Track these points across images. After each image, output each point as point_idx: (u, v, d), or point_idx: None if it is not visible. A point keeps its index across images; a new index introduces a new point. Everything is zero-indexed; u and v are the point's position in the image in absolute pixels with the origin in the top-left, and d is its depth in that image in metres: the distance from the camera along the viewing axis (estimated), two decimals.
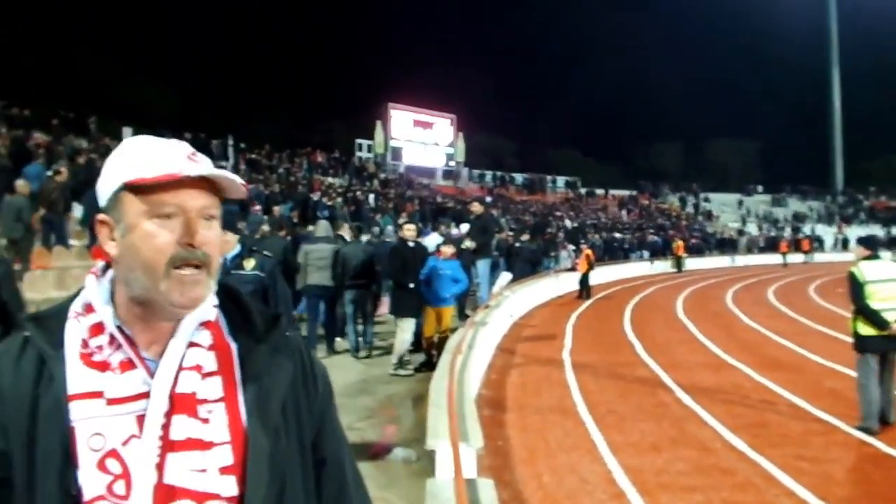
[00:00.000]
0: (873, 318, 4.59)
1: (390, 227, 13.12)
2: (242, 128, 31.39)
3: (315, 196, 17.16)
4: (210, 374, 0.77)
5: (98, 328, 0.76)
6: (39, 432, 0.72)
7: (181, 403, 0.74)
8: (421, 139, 35.14)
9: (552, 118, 56.79)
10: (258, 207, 12.07)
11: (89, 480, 0.70)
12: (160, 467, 0.71)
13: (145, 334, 0.77)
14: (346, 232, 8.26)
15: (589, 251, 15.32)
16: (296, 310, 7.93)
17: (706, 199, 40.55)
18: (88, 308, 0.78)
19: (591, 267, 14.85)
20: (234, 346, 0.80)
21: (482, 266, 9.08)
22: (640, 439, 4.67)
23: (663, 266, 24.25)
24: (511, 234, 16.44)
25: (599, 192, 39.46)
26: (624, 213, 35.04)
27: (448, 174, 35.73)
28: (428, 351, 6.75)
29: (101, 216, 0.79)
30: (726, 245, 30.98)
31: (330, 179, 25.08)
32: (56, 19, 37.77)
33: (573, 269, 16.45)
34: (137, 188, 0.74)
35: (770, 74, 57.42)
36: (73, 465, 0.71)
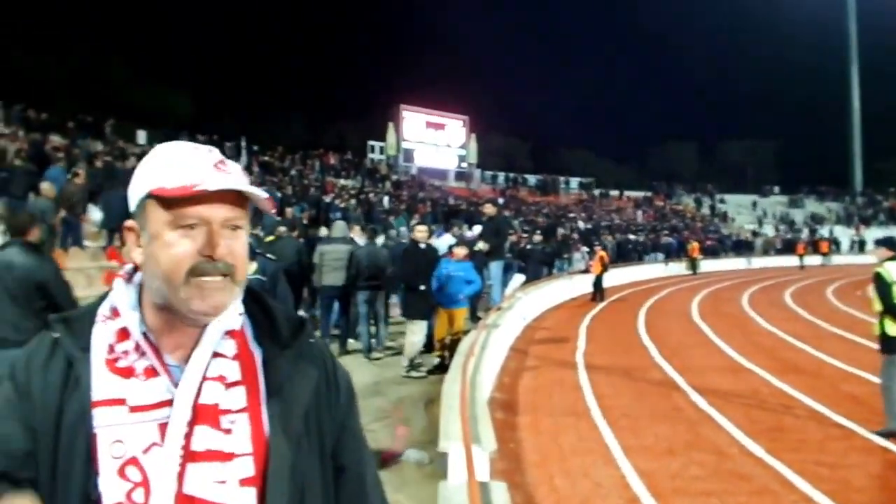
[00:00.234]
0: None
1: (403, 229, 13.17)
2: (255, 130, 31.76)
3: (327, 198, 17.29)
4: (234, 384, 0.76)
5: (124, 333, 0.76)
6: (63, 437, 0.73)
7: (204, 414, 0.73)
8: (433, 140, 35.20)
9: (566, 119, 56.52)
10: (273, 210, 12.18)
11: (109, 487, 0.70)
12: (180, 477, 0.71)
13: (170, 340, 0.77)
14: (356, 233, 8.30)
15: (603, 253, 15.20)
16: (312, 309, 8.01)
17: (721, 201, 40.03)
18: (115, 312, 0.78)
19: (604, 269, 14.74)
20: (258, 354, 0.80)
21: (495, 268, 9.06)
22: (655, 443, 4.63)
23: (678, 268, 23.97)
24: (525, 235, 16.39)
25: (614, 193, 39.17)
26: (639, 214, 34.72)
27: (460, 175, 35.73)
28: (440, 353, 6.75)
29: (128, 222, 0.79)
30: (742, 247, 30.53)
31: (342, 181, 25.24)
32: (71, 23, 38.56)
33: (586, 271, 16.34)
34: (161, 198, 0.74)
35: (787, 73, 56.61)
36: (94, 471, 0.71)
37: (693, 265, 23.85)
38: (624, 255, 22.81)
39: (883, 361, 4.69)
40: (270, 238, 7.70)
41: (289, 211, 12.64)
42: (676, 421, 5.18)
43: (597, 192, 38.88)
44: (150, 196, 0.75)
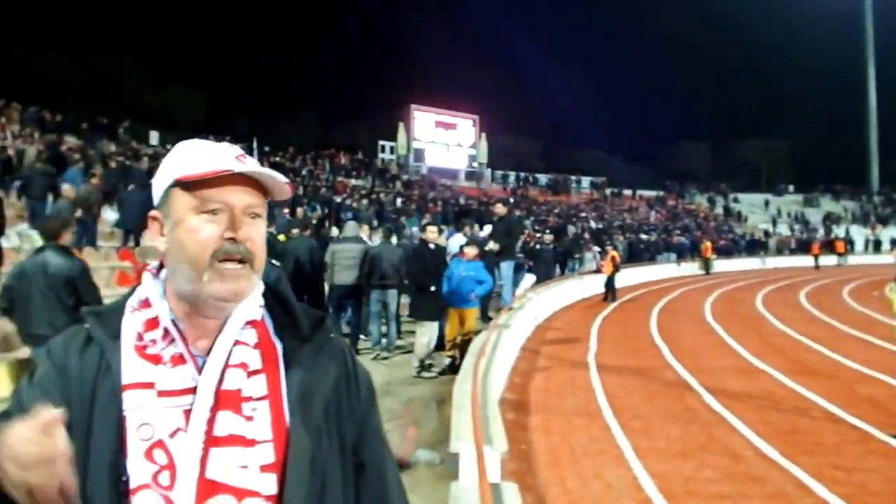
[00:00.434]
0: None
1: (415, 229, 13.20)
2: (267, 131, 32.02)
3: (338, 198, 17.39)
4: (255, 372, 0.78)
5: (153, 323, 0.79)
6: (96, 418, 0.75)
7: (226, 400, 0.75)
8: (444, 140, 35.24)
9: (577, 119, 56.25)
10: (286, 210, 12.30)
11: (137, 468, 0.72)
12: (203, 461, 0.73)
13: (193, 330, 0.79)
14: (365, 232, 8.35)
15: (615, 253, 15.10)
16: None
17: (735, 200, 39.55)
18: (144, 303, 0.81)
19: (616, 269, 14.65)
20: (279, 346, 0.81)
21: (506, 268, 9.05)
22: (668, 445, 4.59)
23: (691, 268, 23.74)
24: (538, 234, 16.35)
25: (627, 192, 38.89)
26: (651, 214, 34.44)
27: (471, 175, 35.72)
28: (451, 353, 6.76)
29: (153, 212, 0.82)
30: (756, 246, 30.14)
31: (353, 181, 25.36)
32: (83, 25, 39.16)
33: (598, 271, 16.25)
34: (187, 185, 0.78)
35: (803, 71, 55.74)
36: (123, 452, 0.73)
37: (706, 265, 23.60)
38: (636, 255, 22.63)
39: None
40: (282, 237, 7.77)
41: (299, 211, 12.74)
42: (689, 422, 5.14)
43: (608, 191, 38.62)
44: (175, 184, 0.79)
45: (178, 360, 0.77)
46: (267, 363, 0.79)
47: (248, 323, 0.80)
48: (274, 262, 3.49)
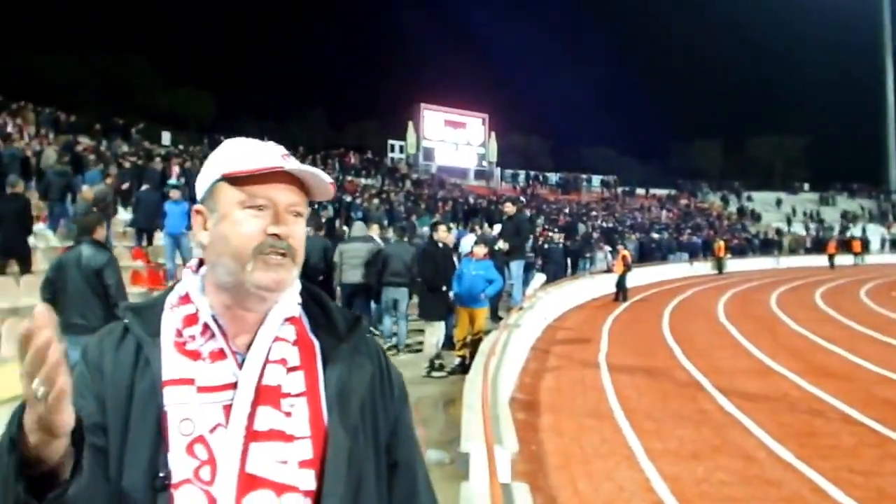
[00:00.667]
0: None
1: (426, 228, 13.18)
2: (276, 130, 32.25)
3: (348, 198, 17.44)
4: (294, 368, 0.79)
5: (192, 318, 0.79)
6: (134, 414, 0.76)
7: (266, 395, 0.76)
8: (453, 139, 35.22)
9: (587, 117, 55.90)
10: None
11: (178, 464, 0.73)
12: (243, 456, 0.73)
13: (233, 326, 0.80)
14: (375, 232, 8.36)
15: (626, 252, 14.98)
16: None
17: (749, 198, 39.03)
18: (183, 299, 0.81)
19: (627, 268, 14.53)
20: (316, 344, 0.83)
21: (515, 267, 9.01)
22: (680, 446, 4.54)
23: (703, 268, 23.48)
24: (550, 233, 16.28)
25: (640, 191, 38.56)
26: (663, 212, 34.13)
27: (480, 174, 35.67)
28: (461, 353, 6.75)
29: (197, 206, 0.84)
30: (770, 246, 29.72)
31: (363, 181, 25.44)
32: (93, 26, 39.70)
33: (609, 270, 16.13)
34: (233, 180, 0.79)
35: (818, 66, 54.75)
36: (163, 447, 0.74)
37: (719, 265, 23.33)
38: (647, 254, 22.44)
39: None
40: None
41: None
42: (702, 424, 5.08)
43: (619, 190, 38.34)
44: (221, 179, 0.80)
45: (218, 355, 0.77)
46: (305, 360, 0.80)
47: (287, 319, 0.81)
48: None
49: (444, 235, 7.10)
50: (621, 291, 14.32)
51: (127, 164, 13.65)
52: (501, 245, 8.54)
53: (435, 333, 6.61)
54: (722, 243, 24.24)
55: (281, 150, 0.83)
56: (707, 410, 5.48)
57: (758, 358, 7.83)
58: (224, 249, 0.79)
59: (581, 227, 21.86)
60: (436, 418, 5.15)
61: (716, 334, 9.81)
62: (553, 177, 38.06)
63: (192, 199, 11.99)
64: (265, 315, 0.80)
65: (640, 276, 17.62)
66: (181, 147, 22.90)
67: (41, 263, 7.67)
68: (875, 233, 33.05)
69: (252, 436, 0.74)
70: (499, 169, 36.80)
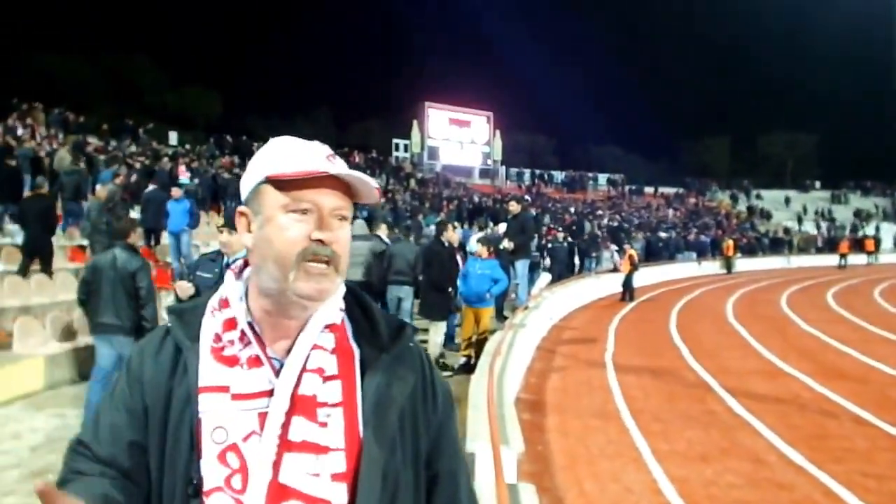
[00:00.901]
0: None
1: (432, 228, 13.16)
2: (282, 129, 32.25)
3: None
4: (331, 377, 0.77)
5: (231, 323, 0.79)
6: (172, 420, 0.77)
7: (301, 405, 0.75)
8: (458, 138, 35.16)
9: (592, 115, 55.63)
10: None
11: (210, 472, 0.73)
12: (276, 466, 0.72)
13: (273, 332, 0.79)
14: (384, 232, 8.33)
15: (633, 251, 14.87)
16: None
17: (758, 196, 38.66)
18: (224, 303, 0.81)
19: (634, 268, 14.42)
20: (356, 352, 0.81)
21: (520, 266, 8.96)
22: (688, 448, 4.48)
23: (712, 267, 23.28)
24: (558, 232, 16.20)
25: (649, 190, 38.30)
26: (670, 211, 33.89)
27: (485, 173, 35.59)
28: (466, 352, 6.71)
29: (241, 208, 0.83)
30: (780, 245, 29.41)
31: None
32: (100, 27, 40.00)
33: (615, 269, 16.02)
34: (278, 183, 0.77)
35: (828, 62, 54.11)
36: (196, 455, 0.74)
37: (728, 264, 23.13)
38: (654, 253, 22.29)
39: None
40: None
41: None
42: (710, 425, 5.01)
43: (625, 188, 38.11)
44: (266, 181, 0.79)
45: (255, 362, 0.77)
46: (343, 369, 0.78)
47: (328, 326, 0.80)
48: None
49: (452, 236, 7.07)
50: (628, 291, 14.22)
51: (138, 165, 13.77)
52: (506, 244, 8.49)
53: (438, 333, 6.58)
54: (731, 242, 24.02)
55: (326, 150, 0.80)
56: (715, 412, 5.41)
57: (767, 359, 7.73)
58: (268, 254, 0.77)
59: (587, 226, 21.75)
60: None
61: (724, 335, 9.70)
62: (559, 175, 37.93)
63: (194, 199, 12.06)
64: (306, 321, 0.78)
65: (647, 276, 17.48)
66: (188, 146, 23.03)
67: (56, 262, 7.79)
68: (889, 231, 32.61)
69: (286, 445, 0.73)
70: (504, 167, 36.71)
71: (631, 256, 14.46)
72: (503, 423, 3.50)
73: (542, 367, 7.25)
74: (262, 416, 0.74)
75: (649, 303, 14.05)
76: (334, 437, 0.75)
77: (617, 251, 17.78)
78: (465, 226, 15.82)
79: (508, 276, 8.10)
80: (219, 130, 26.42)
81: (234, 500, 0.72)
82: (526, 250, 9.06)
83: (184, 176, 14.06)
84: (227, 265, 3.14)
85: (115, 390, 0.82)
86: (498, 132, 36.52)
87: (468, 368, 6.09)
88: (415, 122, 33.89)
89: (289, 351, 0.77)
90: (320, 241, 0.76)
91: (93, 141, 17.21)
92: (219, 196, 14.64)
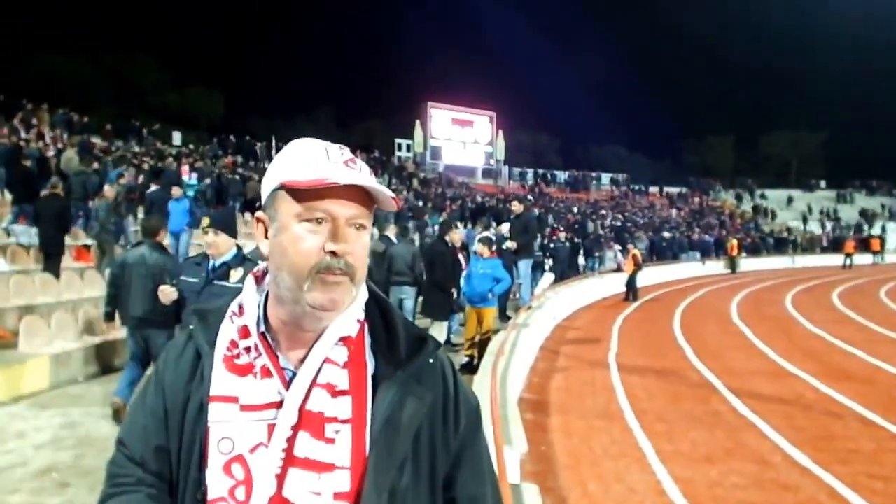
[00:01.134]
0: None
1: (436, 227, 13.15)
2: (285, 129, 32.40)
3: None
4: (342, 392, 0.75)
5: (247, 330, 0.78)
6: (187, 427, 0.77)
7: (308, 421, 0.73)
8: (460, 137, 35.13)
9: (595, 115, 55.51)
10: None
11: (214, 482, 0.73)
12: (280, 480, 0.71)
13: (288, 342, 0.78)
14: (391, 233, 8.33)
15: (636, 251, 14.83)
16: None
17: (763, 196, 38.49)
18: (242, 309, 0.80)
19: (638, 268, 14.38)
20: (370, 367, 0.78)
21: (523, 266, 8.95)
22: (692, 449, 4.46)
23: (716, 267, 23.20)
24: (561, 231, 16.17)
25: (652, 189, 38.18)
26: (673, 211, 33.78)
27: (488, 173, 35.56)
28: (469, 352, 6.70)
29: (258, 213, 0.81)
30: (785, 244, 29.27)
31: None
32: (103, 27, 40.12)
33: (619, 269, 15.98)
34: (292, 190, 0.75)
35: (833, 60, 53.74)
36: (203, 464, 0.74)
37: (732, 264, 23.04)
38: (658, 253, 22.22)
39: None
40: None
41: None
42: (714, 426, 4.98)
43: (627, 188, 38.01)
44: (281, 188, 0.77)
45: (267, 372, 0.76)
46: (355, 385, 0.76)
47: (342, 339, 0.77)
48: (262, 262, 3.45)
49: (455, 236, 7.06)
50: (631, 291, 14.18)
51: (146, 166, 13.84)
52: (509, 244, 8.48)
53: (441, 333, 6.57)
54: (735, 242, 23.93)
55: (345, 155, 0.78)
56: (720, 412, 5.38)
57: (772, 359, 7.69)
58: (282, 263, 0.75)
59: (590, 226, 21.71)
60: None
61: (729, 335, 9.66)
62: (562, 175, 37.86)
63: (202, 200, 12.08)
64: (322, 332, 0.77)
65: (651, 276, 17.43)
66: (191, 146, 23.10)
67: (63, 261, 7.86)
68: (894, 231, 32.39)
69: (291, 460, 0.72)
70: (506, 167, 36.66)
71: (634, 256, 14.42)
72: (506, 423, 3.49)
73: (545, 367, 7.24)
74: (272, 428, 0.73)
75: (653, 303, 14.01)
76: (341, 454, 0.72)
77: (620, 251, 17.74)
78: (468, 226, 15.80)
79: (511, 276, 8.10)
80: (221, 130, 26.52)
81: None
82: (529, 250, 9.05)
83: (187, 176, 14.12)
84: (214, 268, 3.07)
85: (146, 392, 0.83)
86: (501, 132, 36.48)
87: (471, 369, 6.08)
88: (417, 122, 33.88)
89: (304, 359, 0.76)
90: (333, 252, 0.73)
91: (97, 141, 17.29)
92: (223, 196, 14.69)
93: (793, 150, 50.67)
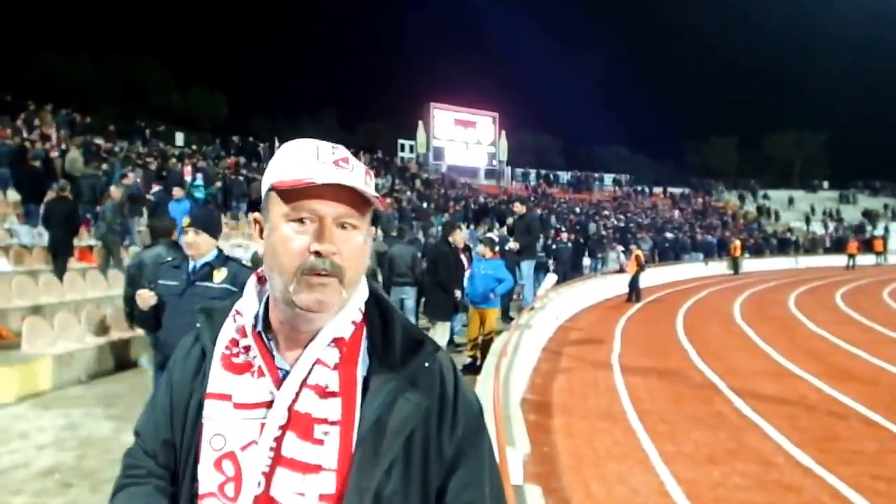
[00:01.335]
0: None
1: (440, 228, 13.17)
2: (287, 130, 32.46)
3: None
4: (332, 394, 0.74)
5: (245, 329, 0.80)
6: (188, 424, 0.80)
7: (296, 421, 0.73)
8: (463, 138, 35.14)
9: (598, 115, 55.46)
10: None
11: (205, 477, 0.75)
12: (268, 478, 0.72)
13: (286, 342, 0.78)
14: (397, 232, 8.34)
15: (639, 252, 14.81)
16: None
17: (765, 196, 38.38)
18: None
19: (641, 268, 14.36)
20: (362, 369, 0.77)
21: (526, 267, 8.94)
22: (695, 450, 4.45)
23: (719, 268, 23.15)
24: (564, 232, 16.16)
25: (655, 190, 38.11)
26: (676, 211, 33.71)
27: (490, 173, 35.56)
28: (472, 353, 6.70)
29: (255, 215, 0.83)
30: (787, 245, 29.18)
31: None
32: (106, 28, 40.26)
33: (621, 270, 15.95)
34: (280, 191, 0.76)
35: (837, 59, 53.54)
36: (196, 459, 0.77)
37: (735, 265, 22.99)
38: (661, 254, 22.18)
39: None
40: None
41: None
42: (717, 427, 4.97)
43: (630, 188, 37.96)
44: (271, 189, 0.78)
45: (261, 371, 0.77)
46: (345, 386, 0.75)
47: (335, 340, 0.77)
48: (246, 263, 3.37)
49: (458, 237, 7.07)
50: (634, 292, 14.16)
51: (153, 167, 13.88)
52: (512, 245, 8.47)
53: (444, 333, 6.57)
54: (738, 243, 23.88)
55: (336, 154, 0.76)
56: (723, 413, 5.37)
57: (775, 360, 7.67)
58: (272, 264, 0.76)
59: (593, 227, 21.68)
60: None
61: (731, 336, 9.64)
62: (564, 176, 37.83)
63: (208, 201, 12.09)
64: (316, 333, 0.77)
65: (654, 277, 17.39)
66: (194, 147, 23.15)
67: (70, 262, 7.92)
68: (894, 230, 32.28)
69: (278, 460, 0.73)
70: (509, 168, 36.65)
71: (637, 257, 14.40)
72: (509, 424, 3.49)
73: (548, 367, 7.23)
74: (264, 427, 0.74)
75: (656, 303, 13.98)
76: (329, 455, 0.72)
77: (623, 252, 17.71)
78: (471, 226, 15.80)
79: (514, 276, 8.09)
80: (224, 131, 26.57)
81: None
82: (531, 251, 9.04)
83: (189, 177, 14.15)
84: (195, 270, 2.97)
85: (160, 388, 0.86)
86: (503, 132, 36.47)
87: (474, 369, 6.08)
88: (420, 123, 33.89)
89: (297, 361, 0.76)
90: (318, 252, 0.73)
91: (99, 142, 17.35)
92: (227, 197, 14.73)
93: (796, 150, 50.50)
